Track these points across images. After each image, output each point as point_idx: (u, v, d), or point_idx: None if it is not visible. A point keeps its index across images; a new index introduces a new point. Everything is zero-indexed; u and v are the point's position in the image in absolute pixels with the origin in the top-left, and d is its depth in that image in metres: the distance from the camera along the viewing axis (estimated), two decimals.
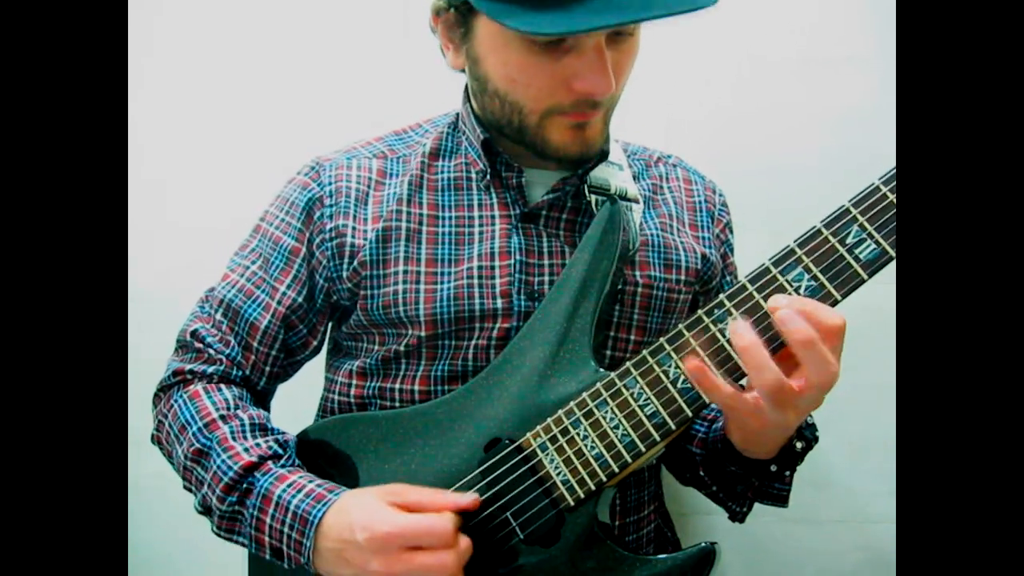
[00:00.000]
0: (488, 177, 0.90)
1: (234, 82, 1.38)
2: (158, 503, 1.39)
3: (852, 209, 0.70)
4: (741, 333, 0.67)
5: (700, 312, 0.73)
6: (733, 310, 0.72)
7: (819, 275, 0.70)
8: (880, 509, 1.18)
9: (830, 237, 0.71)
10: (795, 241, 0.72)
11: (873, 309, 1.05)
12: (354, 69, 1.37)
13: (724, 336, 0.72)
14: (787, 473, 0.83)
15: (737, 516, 0.89)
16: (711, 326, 0.73)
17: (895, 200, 0.69)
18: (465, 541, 0.72)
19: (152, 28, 1.39)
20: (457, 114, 0.96)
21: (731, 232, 1.02)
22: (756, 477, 0.84)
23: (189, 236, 1.39)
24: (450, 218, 0.89)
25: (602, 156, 0.90)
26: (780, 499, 0.87)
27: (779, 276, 0.71)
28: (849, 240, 0.70)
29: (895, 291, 0.67)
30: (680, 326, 0.74)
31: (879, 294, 0.99)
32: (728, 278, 1.00)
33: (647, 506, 0.92)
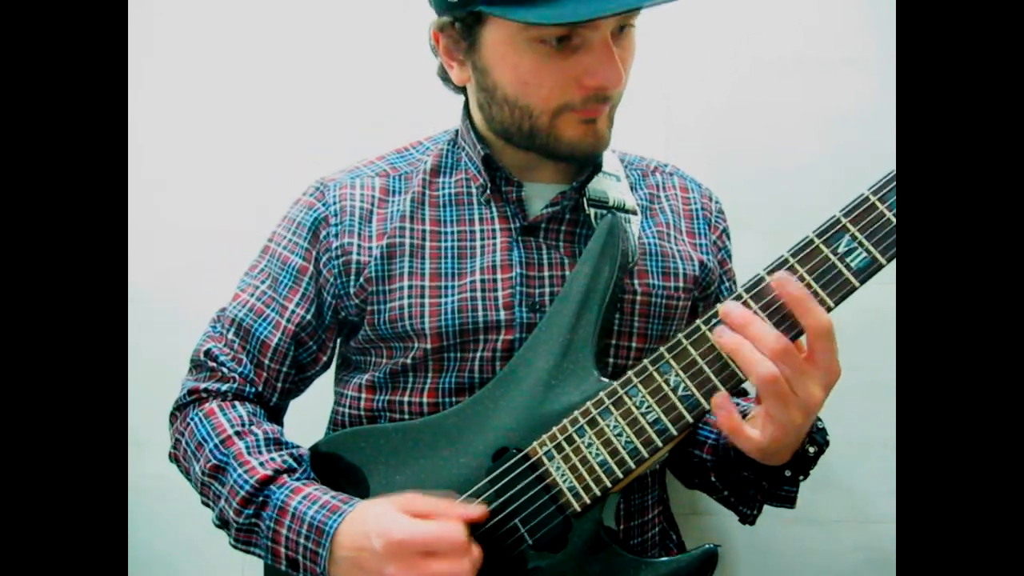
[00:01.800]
0: (488, 191, 0.93)
1: (234, 82, 1.41)
2: (158, 503, 1.42)
3: (843, 219, 0.74)
4: (722, 335, 0.73)
5: (698, 321, 0.77)
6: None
7: (812, 283, 0.74)
8: (880, 509, 1.21)
9: (822, 247, 0.74)
10: (788, 251, 0.75)
11: (873, 309, 1.08)
12: (353, 69, 1.40)
13: None
14: (800, 477, 0.86)
15: (748, 519, 0.93)
16: (708, 335, 0.76)
17: (884, 210, 0.73)
18: (477, 549, 0.76)
19: (152, 28, 1.42)
20: (456, 131, 0.99)
21: (728, 238, 1.06)
22: (768, 481, 0.87)
23: (189, 236, 1.41)
24: (452, 233, 0.93)
25: (596, 168, 0.93)
26: (788, 500, 0.90)
27: None
28: (841, 249, 0.73)
29: (895, 292, 0.70)
30: (679, 335, 0.77)
31: (879, 294, 1.01)
32: (727, 284, 1.04)
33: (651, 510, 0.96)
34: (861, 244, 0.73)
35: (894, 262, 0.73)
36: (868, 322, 1.15)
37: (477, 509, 0.79)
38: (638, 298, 0.92)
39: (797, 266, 0.74)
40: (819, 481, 1.22)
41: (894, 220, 0.72)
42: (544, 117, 0.85)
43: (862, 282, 0.73)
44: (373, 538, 0.74)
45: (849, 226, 0.73)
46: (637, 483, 0.94)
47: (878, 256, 0.73)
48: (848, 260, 0.73)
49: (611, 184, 0.95)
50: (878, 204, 0.73)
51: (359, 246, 0.93)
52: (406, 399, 0.91)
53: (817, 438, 0.85)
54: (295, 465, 0.86)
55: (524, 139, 0.88)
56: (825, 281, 0.74)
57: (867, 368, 1.15)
